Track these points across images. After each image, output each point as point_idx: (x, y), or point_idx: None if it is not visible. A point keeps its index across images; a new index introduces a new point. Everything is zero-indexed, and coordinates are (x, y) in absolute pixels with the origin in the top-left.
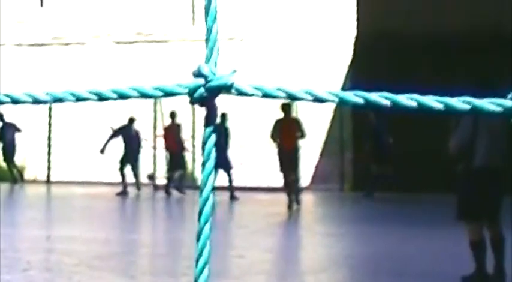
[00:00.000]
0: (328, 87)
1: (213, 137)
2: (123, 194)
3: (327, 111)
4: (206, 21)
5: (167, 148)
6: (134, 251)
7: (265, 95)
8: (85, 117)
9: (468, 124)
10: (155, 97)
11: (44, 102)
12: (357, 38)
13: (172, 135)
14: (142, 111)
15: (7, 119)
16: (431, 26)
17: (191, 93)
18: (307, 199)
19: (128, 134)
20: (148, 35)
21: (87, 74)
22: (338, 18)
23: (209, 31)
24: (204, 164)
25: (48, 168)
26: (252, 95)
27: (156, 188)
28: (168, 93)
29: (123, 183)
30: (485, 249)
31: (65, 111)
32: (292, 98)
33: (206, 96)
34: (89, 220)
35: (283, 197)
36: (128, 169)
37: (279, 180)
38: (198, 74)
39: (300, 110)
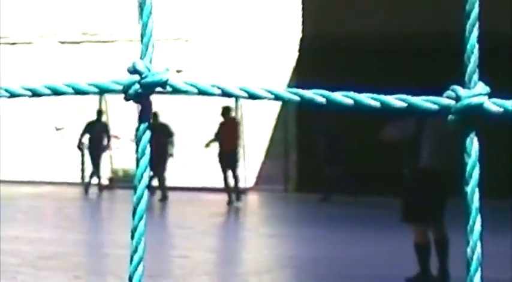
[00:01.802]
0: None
1: (148, 134)
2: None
3: (272, 112)
4: (141, 16)
5: (221, 146)
6: (79, 251)
7: (200, 92)
8: (30, 116)
9: (412, 120)
10: (90, 93)
11: None
12: (302, 39)
13: (228, 131)
14: (91, 107)
15: None
16: (377, 27)
17: (126, 89)
18: (252, 200)
19: (94, 129)
20: (94, 35)
21: (33, 74)
22: (283, 19)
23: (144, 26)
24: (138, 161)
25: None
26: (187, 91)
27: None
28: (104, 90)
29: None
30: (430, 250)
31: (13, 109)
32: (227, 94)
33: (141, 92)
34: (35, 220)
35: (218, 198)
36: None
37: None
38: (133, 71)
39: (244, 111)
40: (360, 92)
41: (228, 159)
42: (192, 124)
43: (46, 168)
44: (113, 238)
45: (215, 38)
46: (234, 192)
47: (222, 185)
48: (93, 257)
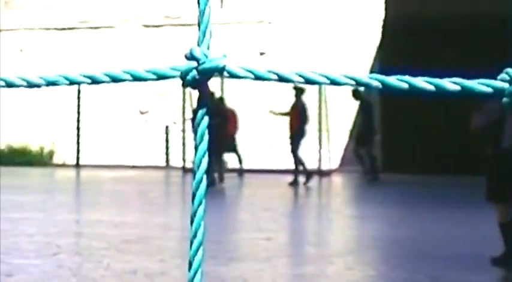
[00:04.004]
0: (350, 70)
1: (206, 120)
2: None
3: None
4: (198, 4)
5: (290, 128)
6: (164, 235)
7: (257, 78)
8: (114, 100)
9: (495, 106)
10: (148, 80)
11: (37, 86)
12: (385, 20)
13: (296, 114)
14: (171, 92)
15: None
16: (461, 7)
17: (184, 76)
18: (336, 181)
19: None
20: (176, 18)
21: (115, 58)
22: (366, 0)
23: (201, 14)
24: (196, 147)
25: (77, 152)
26: (244, 77)
27: (185, 171)
28: (161, 76)
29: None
30: None
31: (94, 95)
32: (284, 80)
33: (198, 78)
34: (119, 204)
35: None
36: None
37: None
38: (190, 57)
39: (328, 94)
40: (443, 73)
41: (292, 141)
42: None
43: (130, 152)
44: None
45: (298, 20)
46: (303, 174)
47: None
48: (177, 241)
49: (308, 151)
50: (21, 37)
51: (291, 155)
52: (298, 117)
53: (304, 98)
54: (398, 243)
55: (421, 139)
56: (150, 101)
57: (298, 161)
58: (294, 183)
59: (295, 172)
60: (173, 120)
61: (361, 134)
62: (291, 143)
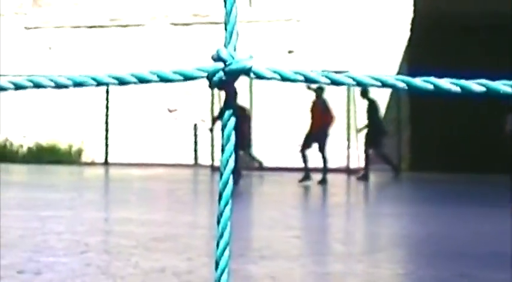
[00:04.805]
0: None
1: (233, 120)
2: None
3: (384, 92)
4: (225, 4)
5: (312, 126)
6: (192, 233)
7: (284, 79)
8: (142, 97)
9: None
10: (175, 81)
11: (65, 86)
12: (413, 18)
13: (317, 111)
14: (199, 90)
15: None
16: (490, 4)
17: (210, 77)
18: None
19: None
20: (205, 17)
21: (145, 56)
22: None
23: (228, 15)
24: (223, 147)
25: (106, 151)
26: (271, 78)
27: (214, 169)
28: (188, 77)
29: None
30: None
31: (123, 93)
32: (310, 81)
33: (225, 79)
34: (147, 202)
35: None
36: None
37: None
38: (217, 58)
39: (357, 91)
40: (472, 72)
41: (315, 140)
42: (297, 106)
43: (158, 150)
44: None
45: (326, 19)
46: (322, 173)
47: (330, 165)
48: (204, 239)
49: (336, 149)
50: (50, 35)
51: (318, 154)
52: (321, 115)
53: (327, 96)
54: (427, 242)
55: (449, 138)
56: (178, 98)
57: (325, 159)
58: (323, 182)
59: (324, 171)
60: (201, 118)
61: (369, 135)
62: (316, 142)
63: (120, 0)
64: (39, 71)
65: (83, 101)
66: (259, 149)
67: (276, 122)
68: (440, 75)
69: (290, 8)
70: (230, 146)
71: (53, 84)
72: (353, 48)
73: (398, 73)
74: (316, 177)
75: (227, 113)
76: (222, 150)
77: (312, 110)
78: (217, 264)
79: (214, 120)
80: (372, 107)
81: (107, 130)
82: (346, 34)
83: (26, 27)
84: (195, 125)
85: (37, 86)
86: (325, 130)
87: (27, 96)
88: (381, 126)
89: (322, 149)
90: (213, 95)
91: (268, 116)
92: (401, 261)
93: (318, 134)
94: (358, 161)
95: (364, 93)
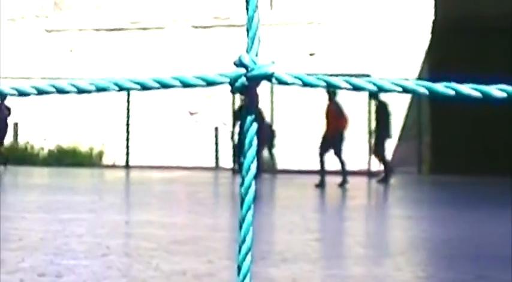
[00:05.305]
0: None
1: (255, 126)
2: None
3: (405, 95)
4: (247, 10)
5: (326, 129)
6: (212, 236)
7: (305, 84)
8: (164, 101)
9: None
10: (197, 86)
11: (88, 91)
12: (434, 21)
13: (332, 115)
14: (220, 93)
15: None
16: (510, 8)
17: (233, 82)
18: None
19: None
20: (226, 19)
21: (166, 58)
22: (416, 1)
23: (250, 21)
24: (245, 153)
25: (127, 153)
26: (292, 84)
27: (235, 172)
28: (210, 83)
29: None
30: None
31: (144, 95)
32: (332, 86)
33: (247, 85)
34: (168, 205)
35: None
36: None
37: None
38: (239, 64)
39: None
40: (492, 74)
41: (331, 144)
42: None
43: (179, 153)
44: None
45: (348, 22)
46: (342, 176)
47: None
48: (225, 242)
49: (357, 152)
50: (71, 38)
51: (335, 157)
52: (335, 119)
53: (348, 99)
54: (448, 244)
55: (470, 140)
56: (199, 102)
57: (343, 162)
58: (342, 184)
59: (343, 173)
60: (223, 121)
61: (378, 137)
62: (331, 146)
63: (141, 3)
64: (60, 73)
65: (104, 104)
66: (279, 151)
67: (296, 124)
68: (460, 78)
69: (311, 11)
70: (252, 151)
71: (75, 89)
72: (374, 50)
73: (420, 75)
74: (336, 180)
75: (249, 118)
76: (244, 156)
77: (327, 114)
78: (239, 269)
79: (234, 119)
80: (381, 108)
81: (127, 132)
82: (368, 36)
83: (47, 30)
84: (216, 128)
85: (59, 91)
86: (341, 133)
87: (48, 99)
88: (387, 129)
89: (338, 153)
90: (234, 98)
91: (289, 119)
92: (422, 264)
93: (333, 137)
94: (379, 164)
95: (374, 95)
